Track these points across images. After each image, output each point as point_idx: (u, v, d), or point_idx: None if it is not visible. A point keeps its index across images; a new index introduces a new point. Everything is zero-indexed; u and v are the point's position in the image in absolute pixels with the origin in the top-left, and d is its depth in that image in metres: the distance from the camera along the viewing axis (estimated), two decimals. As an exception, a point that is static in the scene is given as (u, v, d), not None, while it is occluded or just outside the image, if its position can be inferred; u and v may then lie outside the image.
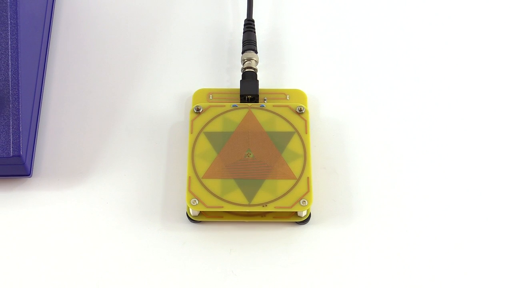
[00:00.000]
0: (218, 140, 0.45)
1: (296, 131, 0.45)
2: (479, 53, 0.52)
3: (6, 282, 0.42)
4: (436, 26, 0.52)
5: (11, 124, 0.43)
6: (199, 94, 0.48)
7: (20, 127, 0.44)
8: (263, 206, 0.43)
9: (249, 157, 0.44)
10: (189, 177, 0.43)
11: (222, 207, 0.43)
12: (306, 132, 0.45)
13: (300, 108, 0.46)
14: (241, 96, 0.47)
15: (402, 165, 0.47)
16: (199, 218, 0.43)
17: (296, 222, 0.44)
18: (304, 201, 0.43)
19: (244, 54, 0.48)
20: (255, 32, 0.49)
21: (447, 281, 0.43)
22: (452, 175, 0.46)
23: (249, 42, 0.49)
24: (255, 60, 0.48)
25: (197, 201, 0.43)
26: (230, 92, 0.48)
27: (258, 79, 0.48)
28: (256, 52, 0.49)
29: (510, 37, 0.53)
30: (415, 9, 0.53)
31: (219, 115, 0.46)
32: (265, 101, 0.47)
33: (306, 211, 0.43)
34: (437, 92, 0.49)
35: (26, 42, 0.46)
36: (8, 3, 0.44)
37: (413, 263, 0.43)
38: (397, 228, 0.44)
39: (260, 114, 0.46)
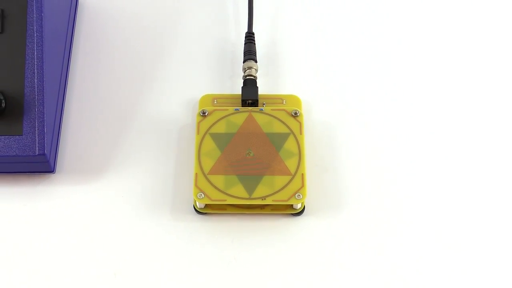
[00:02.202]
0: (222, 140, 0.45)
1: (292, 132, 0.45)
2: (465, 60, 0.51)
3: (32, 267, 0.43)
4: (418, 38, 0.52)
5: (36, 126, 0.44)
6: (204, 99, 0.48)
7: (45, 129, 0.44)
8: (262, 199, 0.43)
9: (249, 156, 0.44)
10: (196, 174, 0.44)
11: (225, 200, 0.43)
12: (301, 133, 0.45)
13: (295, 112, 0.46)
14: (242, 101, 0.47)
15: (386, 163, 0.47)
16: (205, 210, 0.44)
17: (292, 214, 0.44)
18: (299, 195, 0.43)
19: (245, 63, 0.48)
20: (255, 44, 0.50)
21: (425, 263, 0.43)
22: (431, 171, 0.46)
23: (249, 53, 0.49)
24: (255, 69, 0.48)
25: (203, 195, 0.43)
26: (232, 97, 0.48)
27: (257, 85, 0.48)
28: (256, 62, 0.49)
29: (492, 42, 0.52)
30: (398, 25, 0.53)
31: (222, 118, 0.46)
32: (264, 105, 0.47)
33: (300, 204, 0.44)
34: (415, 98, 0.49)
35: (50, 53, 0.46)
36: (35, 19, 0.45)
37: (395, 250, 0.43)
38: (381, 219, 0.45)
39: (259, 117, 0.46)
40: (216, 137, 0.45)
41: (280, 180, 0.43)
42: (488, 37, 0.52)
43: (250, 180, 0.44)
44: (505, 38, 0.52)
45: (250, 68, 0.48)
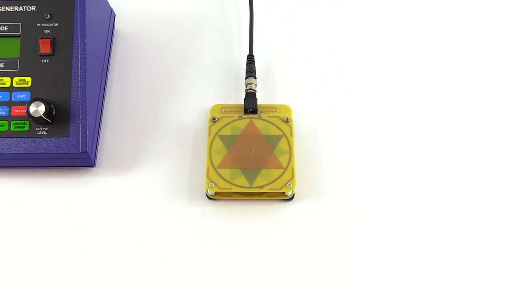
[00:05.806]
0: (228, 141, 0.48)
1: (284, 134, 0.48)
2: (440, 66, 0.53)
3: (77, 240, 0.46)
4: (390, 59, 0.54)
5: (80, 129, 0.47)
6: (214, 108, 0.51)
7: (87, 131, 0.47)
8: (261, 188, 0.46)
9: (250, 153, 0.47)
10: (207, 167, 0.47)
11: (231, 188, 0.46)
12: (291, 135, 0.48)
13: (287, 118, 0.49)
14: (244, 109, 0.50)
15: (359, 158, 0.49)
16: (215, 197, 0.47)
17: (284, 200, 0.48)
18: (290, 184, 0.46)
19: (247, 79, 0.51)
20: (254, 64, 0.53)
21: (392, 237, 0.46)
22: (397, 164, 0.49)
23: (250, 71, 0.52)
24: (255, 84, 0.51)
25: (213, 185, 0.46)
26: (237, 107, 0.51)
27: (257, 97, 0.51)
28: (256, 78, 0.52)
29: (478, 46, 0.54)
30: (372, 46, 0.54)
31: (229, 123, 0.49)
32: (262, 113, 0.50)
33: (291, 191, 0.47)
34: (382, 106, 0.51)
35: (91, 71, 0.48)
36: (79, 44, 0.48)
37: (367, 228, 0.46)
38: (355, 203, 0.47)
39: (258, 122, 0.49)
40: (223, 138, 0.48)
41: (275, 173, 0.47)
42: (466, 42, 0.54)
43: (251, 172, 0.47)
44: (476, 39, 0.55)
45: (250, 83, 0.51)
